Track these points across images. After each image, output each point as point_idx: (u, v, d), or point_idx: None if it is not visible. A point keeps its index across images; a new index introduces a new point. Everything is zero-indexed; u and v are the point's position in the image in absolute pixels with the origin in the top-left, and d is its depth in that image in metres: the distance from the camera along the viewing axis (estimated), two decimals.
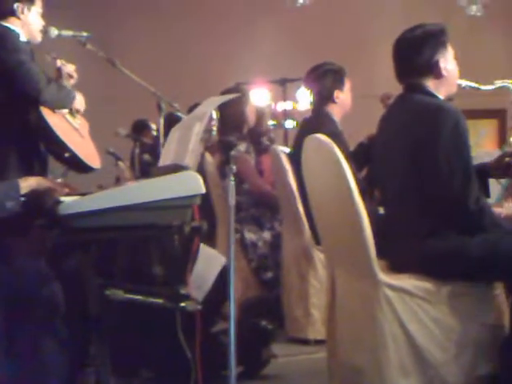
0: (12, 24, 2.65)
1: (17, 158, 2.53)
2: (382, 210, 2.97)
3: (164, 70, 6.81)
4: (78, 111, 2.81)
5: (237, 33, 7.41)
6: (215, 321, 2.99)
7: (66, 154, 2.55)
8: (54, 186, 2.15)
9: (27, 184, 2.12)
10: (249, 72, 6.44)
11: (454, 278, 2.42)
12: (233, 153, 4.03)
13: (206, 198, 4.14)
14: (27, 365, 2.18)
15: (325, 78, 3.72)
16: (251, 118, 4.25)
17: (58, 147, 2.55)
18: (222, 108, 4.04)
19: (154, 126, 5.07)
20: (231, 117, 4.12)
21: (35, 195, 2.08)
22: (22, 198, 2.06)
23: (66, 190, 2.16)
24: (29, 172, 2.53)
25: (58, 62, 2.80)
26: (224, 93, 3.90)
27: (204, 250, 2.70)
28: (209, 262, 2.67)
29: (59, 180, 2.66)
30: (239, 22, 7.44)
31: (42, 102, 2.50)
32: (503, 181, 3.03)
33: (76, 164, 2.63)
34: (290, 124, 6.47)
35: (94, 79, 5.64)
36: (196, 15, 7.46)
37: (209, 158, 4.19)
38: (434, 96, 2.55)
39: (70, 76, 2.81)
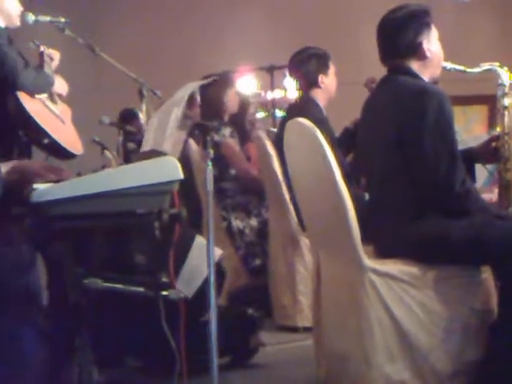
0: None
1: None
2: (367, 196, 2.93)
3: (147, 57, 6.73)
4: (59, 95, 2.76)
5: (221, 19, 7.33)
6: (203, 310, 2.95)
7: (45, 141, 2.50)
8: (40, 171, 2.10)
9: (9, 167, 2.07)
10: (235, 59, 6.38)
11: (439, 262, 2.40)
12: (217, 138, 4.03)
13: (192, 186, 4.13)
14: (4, 355, 2.14)
15: (309, 63, 3.68)
16: (232, 104, 4.22)
17: (36, 133, 2.51)
18: (201, 93, 4.00)
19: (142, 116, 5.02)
20: (210, 102, 4.09)
21: (14, 181, 2.04)
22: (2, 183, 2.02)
23: (52, 177, 2.11)
24: (7, 157, 2.49)
25: (41, 48, 2.76)
26: (205, 78, 3.85)
27: (200, 242, 2.66)
28: (203, 255, 2.64)
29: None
30: (224, 6, 7.36)
31: (19, 87, 2.45)
32: (489, 166, 2.99)
33: (56, 150, 2.58)
34: (279, 113, 6.40)
35: (79, 68, 5.57)
36: None
37: (193, 145, 4.15)
38: (417, 77, 2.51)
39: (51, 58, 2.77)
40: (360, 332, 2.37)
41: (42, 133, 2.50)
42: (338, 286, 2.52)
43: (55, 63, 2.80)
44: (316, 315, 2.71)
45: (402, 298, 2.37)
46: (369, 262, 2.38)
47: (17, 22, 2.73)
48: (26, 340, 2.15)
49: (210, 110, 4.09)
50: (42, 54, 2.74)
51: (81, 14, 6.29)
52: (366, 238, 2.44)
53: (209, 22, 7.29)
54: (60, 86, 2.76)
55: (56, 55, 2.80)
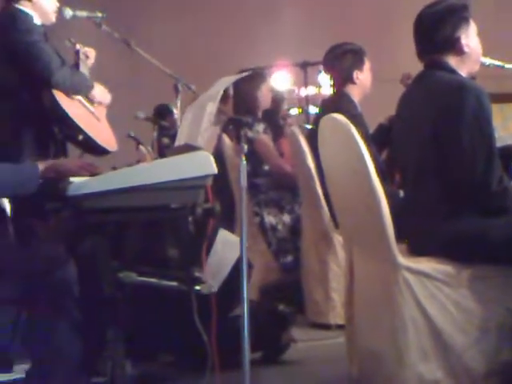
0: (24, 6, 2.62)
1: (31, 141, 2.51)
2: (402, 193, 2.90)
3: (182, 53, 6.76)
4: (100, 103, 2.77)
5: (257, 14, 7.32)
6: (234, 305, 2.96)
7: (80, 137, 2.52)
8: (75, 169, 2.12)
9: (44, 168, 2.10)
10: (269, 55, 6.37)
11: (475, 261, 2.36)
12: (251, 134, 4.02)
13: (224, 181, 4.13)
14: (40, 348, 2.17)
15: (344, 58, 3.65)
16: (265, 100, 4.21)
17: (71, 130, 2.53)
18: (235, 88, 4.00)
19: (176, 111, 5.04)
20: (243, 97, 4.09)
21: (52, 179, 2.07)
22: (40, 181, 2.05)
23: (87, 174, 2.14)
24: (44, 154, 2.52)
25: (77, 46, 2.78)
26: (240, 73, 3.85)
27: (223, 235, 2.66)
28: (227, 248, 2.64)
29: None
30: (259, 2, 7.35)
31: (54, 84, 2.47)
32: None
33: (90, 147, 2.60)
34: (312, 109, 6.37)
35: (115, 64, 5.62)
36: None
37: (227, 140, 4.15)
38: (455, 73, 2.47)
39: (86, 56, 2.78)
40: (393, 330, 2.34)
41: (77, 129, 2.52)
42: (372, 284, 2.50)
43: (91, 61, 2.82)
44: (348, 313, 2.70)
45: (436, 297, 2.34)
46: (403, 259, 2.35)
47: (52, 19, 2.75)
48: (60, 333, 2.17)
49: (242, 106, 4.09)
50: (77, 52, 2.76)
51: (116, 9, 6.32)
52: (399, 236, 2.42)
53: (244, 17, 7.29)
54: (102, 94, 2.77)
55: (92, 53, 2.81)
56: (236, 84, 3.83)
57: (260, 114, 4.23)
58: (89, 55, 2.80)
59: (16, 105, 2.51)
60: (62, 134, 2.60)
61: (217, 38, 7.19)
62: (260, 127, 4.07)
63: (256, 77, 4.16)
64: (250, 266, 2.92)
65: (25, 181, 2.05)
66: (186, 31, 7.12)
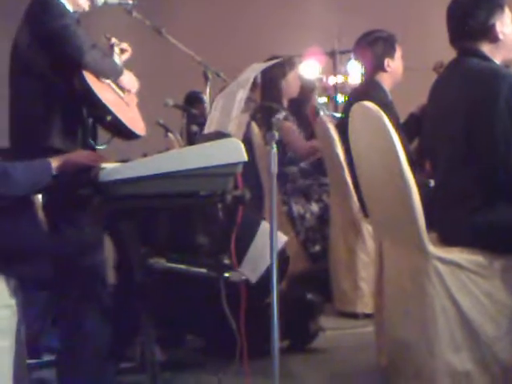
0: None
1: (60, 124, 2.52)
2: (433, 183, 2.87)
3: (213, 40, 6.75)
4: (128, 91, 2.77)
5: (286, 2, 7.28)
6: (265, 293, 2.96)
7: (108, 118, 2.51)
8: (87, 161, 2.14)
9: (58, 162, 2.12)
10: (299, 43, 6.33)
11: (507, 252, 2.32)
12: (273, 120, 4.00)
13: (253, 169, 4.12)
14: (69, 331, 2.19)
15: (375, 46, 3.61)
16: (292, 88, 4.18)
17: (99, 110, 2.52)
18: (262, 75, 3.98)
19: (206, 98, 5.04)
20: (269, 84, 4.08)
21: (66, 173, 2.09)
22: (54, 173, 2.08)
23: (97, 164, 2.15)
24: (71, 138, 2.53)
25: (112, 40, 2.78)
26: (270, 60, 3.83)
27: (264, 227, 2.65)
28: (268, 241, 2.63)
29: (101, 147, 2.63)
30: None
31: (84, 64, 2.47)
32: None
33: (119, 130, 2.59)
34: (341, 98, 6.33)
35: (144, 51, 5.62)
36: None
37: (255, 128, 4.14)
38: (489, 60, 2.43)
39: (124, 50, 2.78)
40: (424, 320, 2.33)
41: (105, 110, 2.52)
42: (402, 273, 2.48)
43: (126, 56, 2.82)
44: (378, 302, 2.68)
45: (468, 287, 2.31)
46: (434, 249, 2.33)
47: (85, 6, 2.75)
48: (89, 317, 2.20)
49: (268, 93, 4.07)
50: (112, 46, 2.76)
51: None
52: (430, 226, 2.39)
53: (273, 5, 7.25)
54: (130, 81, 2.77)
55: (128, 49, 2.81)
56: (263, 72, 3.82)
57: (285, 103, 4.21)
58: (127, 49, 2.80)
59: (47, 86, 2.51)
60: (90, 115, 2.60)
61: (246, 24, 7.17)
62: (281, 115, 4.05)
63: (284, 64, 4.14)
64: (287, 262, 2.92)
65: (37, 179, 2.08)
66: (214, 17, 7.10)
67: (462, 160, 2.40)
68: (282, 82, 4.15)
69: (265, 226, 2.65)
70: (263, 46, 6.36)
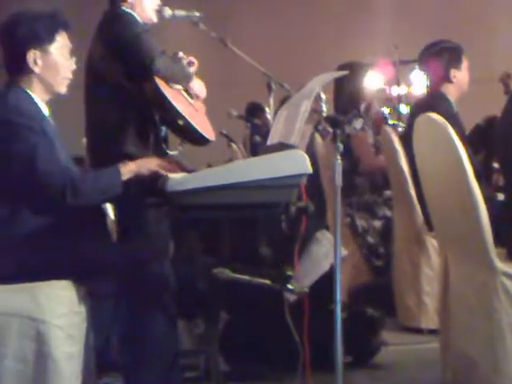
0: (125, 7, 2.69)
1: (134, 130, 2.57)
2: (500, 196, 2.81)
3: (277, 51, 6.79)
4: (197, 97, 2.81)
5: (351, 12, 7.26)
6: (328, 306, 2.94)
7: (180, 122, 2.55)
8: (158, 168, 2.18)
9: (128, 169, 2.16)
10: (361, 53, 6.30)
11: None
12: (348, 129, 3.96)
13: (316, 181, 4.10)
14: (137, 339, 2.22)
15: (441, 56, 3.56)
16: (369, 94, 4.15)
17: (171, 115, 2.56)
18: (336, 84, 3.95)
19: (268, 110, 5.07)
20: (348, 92, 4.05)
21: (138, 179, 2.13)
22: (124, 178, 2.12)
23: (171, 169, 2.18)
24: (144, 144, 2.58)
25: (179, 53, 2.83)
26: (338, 69, 3.82)
27: (320, 235, 2.63)
28: (324, 249, 2.62)
29: (173, 153, 2.66)
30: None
31: (155, 70, 2.52)
32: None
33: (190, 134, 2.62)
34: (404, 109, 6.27)
35: (209, 62, 5.69)
36: None
37: (318, 139, 4.13)
38: None
39: (191, 63, 2.83)
40: (490, 337, 2.27)
41: (177, 114, 2.55)
42: (468, 289, 2.43)
43: (192, 70, 2.86)
44: (443, 318, 2.63)
45: None
46: (502, 265, 2.28)
47: (154, 18, 2.80)
48: (157, 327, 2.22)
49: (345, 100, 4.04)
50: (180, 60, 2.81)
51: (210, 8, 6.42)
52: (496, 240, 2.34)
53: (336, 16, 7.25)
54: (199, 87, 2.81)
55: (195, 62, 2.86)
56: (339, 80, 3.79)
57: (362, 108, 4.17)
58: (194, 61, 2.85)
59: (121, 94, 2.57)
60: (162, 120, 2.65)
61: (309, 35, 7.19)
62: (358, 123, 4.01)
63: (356, 69, 4.10)
64: None
65: (106, 187, 2.13)
66: (279, 28, 7.14)
67: None
68: (361, 87, 4.12)
69: (323, 233, 2.64)
70: (325, 56, 6.36)
